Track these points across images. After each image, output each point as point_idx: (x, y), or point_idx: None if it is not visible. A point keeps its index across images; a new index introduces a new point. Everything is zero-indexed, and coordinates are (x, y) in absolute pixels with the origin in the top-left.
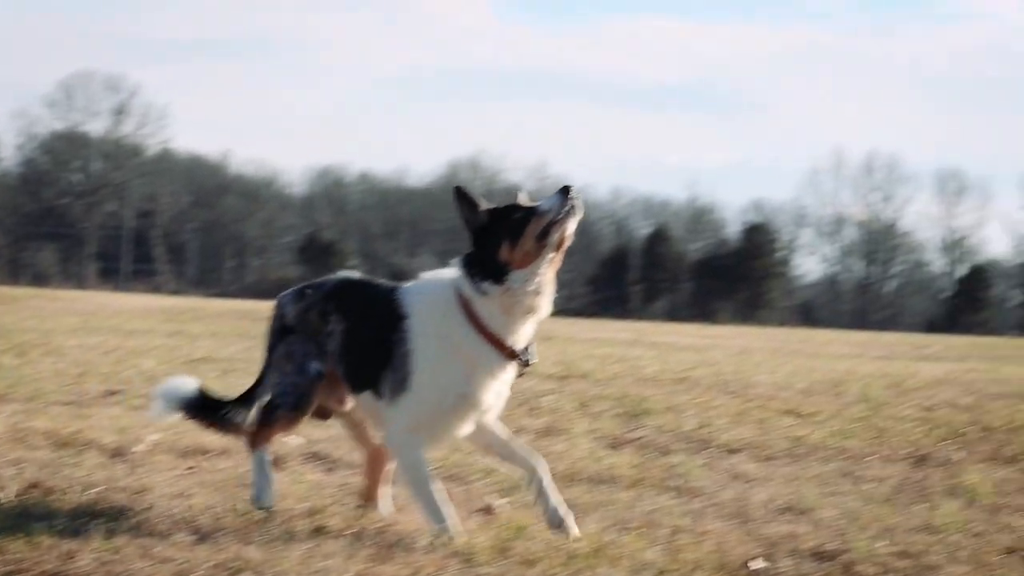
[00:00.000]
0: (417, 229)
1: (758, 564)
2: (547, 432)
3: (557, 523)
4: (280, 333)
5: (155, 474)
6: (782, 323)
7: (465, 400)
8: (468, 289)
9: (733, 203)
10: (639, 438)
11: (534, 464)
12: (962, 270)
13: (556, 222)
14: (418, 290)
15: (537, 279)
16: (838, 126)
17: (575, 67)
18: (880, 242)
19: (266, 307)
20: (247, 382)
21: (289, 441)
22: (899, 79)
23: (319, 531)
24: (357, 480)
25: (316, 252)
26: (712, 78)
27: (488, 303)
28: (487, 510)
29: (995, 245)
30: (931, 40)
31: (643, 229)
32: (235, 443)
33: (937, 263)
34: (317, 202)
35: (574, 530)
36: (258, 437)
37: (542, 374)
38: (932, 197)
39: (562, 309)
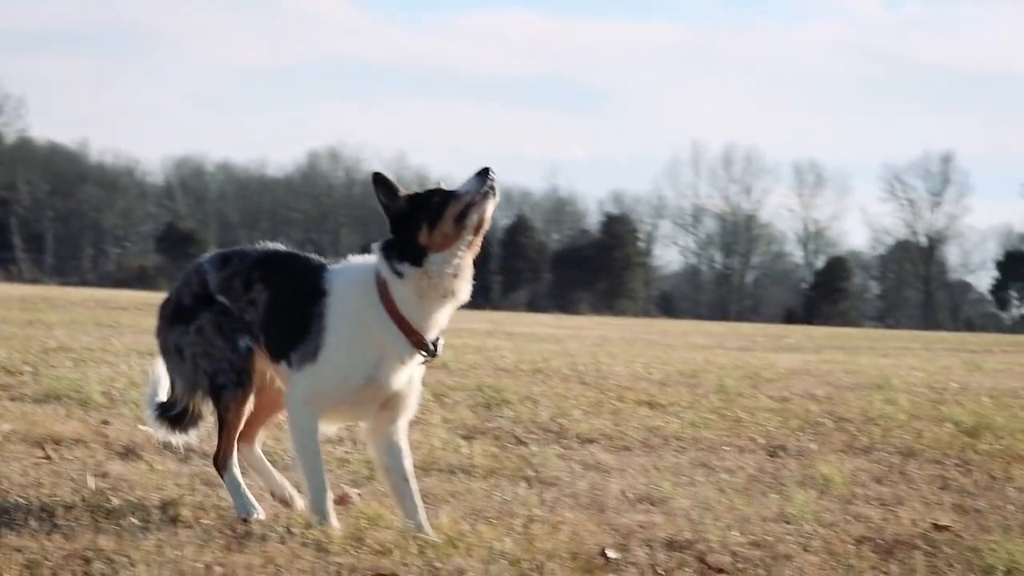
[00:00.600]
0: (277, 218)
1: (612, 554)
2: None
3: None
4: (201, 300)
5: (7, 463)
6: (642, 314)
7: (370, 381)
8: (385, 271)
9: (593, 195)
10: (495, 428)
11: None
12: (821, 261)
13: (474, 204)
14: (341, 269)
15: (456, 261)
16: (697, 120)
17: (435, 60)
18: (739, 233)
19: (125, 296)
20: (103, 371)
21: (144, 430)
22: (757, 74)
23: (173, 521)
24: (211, 470)
25: (175, 241)
26: (571, 72)
27: (404, 286)
28: (342, 500)
29: (853, 237)
30: (789, 35)
31: (503, 220)
32: (89, 433)
33: (796, 254)
34: (176, 191)
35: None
36: (222, 445)
37: None
38: (790, 189)
39: None
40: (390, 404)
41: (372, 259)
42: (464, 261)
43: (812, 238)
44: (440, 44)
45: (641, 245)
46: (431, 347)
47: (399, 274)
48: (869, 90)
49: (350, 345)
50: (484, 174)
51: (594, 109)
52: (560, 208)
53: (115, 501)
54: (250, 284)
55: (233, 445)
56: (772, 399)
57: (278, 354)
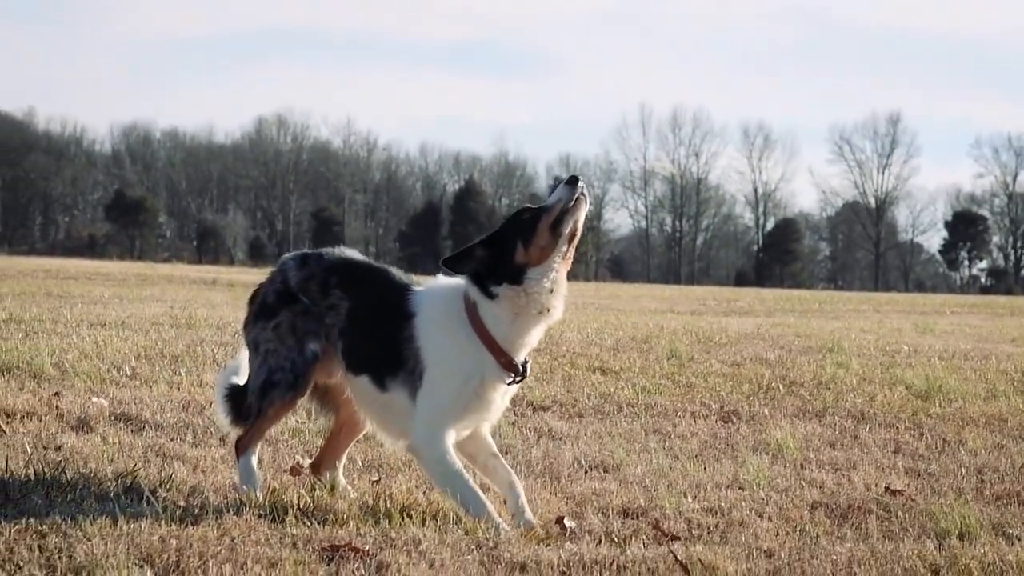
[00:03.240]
0: (225, 185)
1: (569, 523)
2: None
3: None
4: (283, 297)
5: None
6: (593, 278)
7: (477, 397)
8: (475, 293)
9: (542, 158)
10: None
11: (513, 481)
12: (771, 224)
13: (567, 212)
14: (427, 291)
15: (552, 275)
16: (643, 83)
17: (380, 26)
18: (689, 196)
19: (74, 265)
20: (54, 342)
21: (96, 402)
22: (702, 36)
23: (127, 492)
24: (169, 443)
25: (124, 209)
26: (507, 37)
27: (497, 307)
28: (294, 470)
29: (803, 199)
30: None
31: (452, 185)
32: (42, 405)
33: (746, 217)
34: (124, 159)
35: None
36: (250, 432)
37: None
38: (739, 152)
39: None
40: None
41: (458, 281)
42: (560, 275)
43: (761, 200)
44: (384, 11)
45: (591, 208)
46: (520, 368)
47: (492, 295)
48: (815, 52)
49: (451, 365)
50: (574, 182)
51: (535, 73)
52: (509, 172)
53: (69, 474)
54: (327, 288)
55: (261, 436)
56: (724, 364)
57: (358, 367)
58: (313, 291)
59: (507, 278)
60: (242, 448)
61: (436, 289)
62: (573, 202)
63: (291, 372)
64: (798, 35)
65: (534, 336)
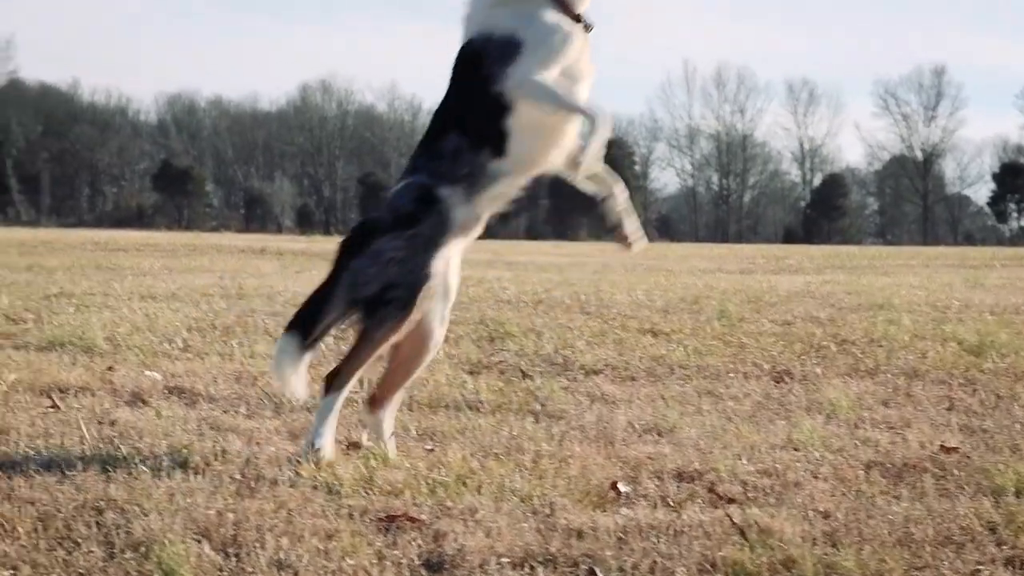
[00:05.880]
0: (271, 152)
1: (623, 487)
2: None
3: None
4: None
5: (15, 414)
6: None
7: (567, 39)
8: None
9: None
10: (499, 362)
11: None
12: (818, 180)
13: None
14: None
15: None
16: (686, 40)
17: None
18: (735, 154)
19: (123, 237)
20: (105, 316)
21: (149, 375)
22: None
23: (183, 467)
24: (222, 416)
25: (171, 179)
26: None
27: None
28: (352, 444)
29: (849, 153)
30: None
31: None
32: (95, 380)
33: (793, 173)
34: (170, 128)
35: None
36: (349, 366)
37: None
38: (784, 108)
39: None
40: None
41: None
42: None
43: (808, 156)
44: None
45: (637, 168)
46: (585, 21)
47: None
48: (857, 3)
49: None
50: None
51: None
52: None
53: (124, 449)
54: None
55: (361, 370)
56: (775, 323)
57: None
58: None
59: None
60: (337, 384)
61: None
62: None
63: (409, 290)
64: None
65: None
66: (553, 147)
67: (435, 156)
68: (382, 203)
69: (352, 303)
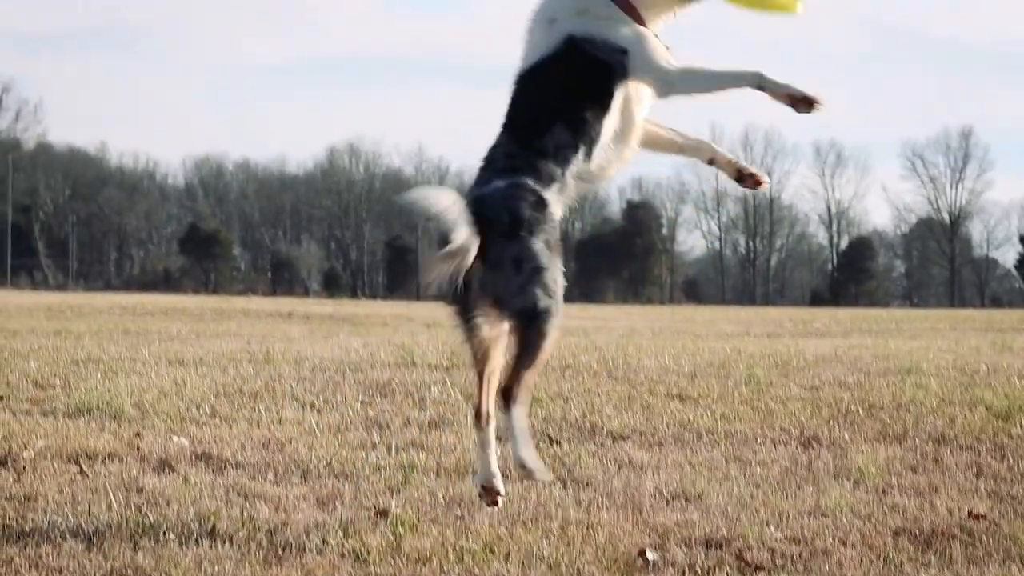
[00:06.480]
0: (299, 215)
1: (651, 555)
2: (435, 425)
3: None
4: (541, 209)
5: (43, 481)
6: (668, 300)
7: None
8: None
9: (614, 181)
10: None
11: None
12: (845, 242)
13: None
14: None
15: None
16: (714, 102)
17: (448, 51)
18: (762, 216)
19: (150, 301)
20: (133, 381)
21: (177, 441)
22: (770, 53)
23: (210, 534)
24: (250, 483)
25: (199, 242)
26: None
27: None
28: (383, 512)
29: (876, 216)
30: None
31: None
32: (123, 447)
33: (820, 235)
34: (197, 192)
35: None
36: (519, 378)
37: (428, 364)
38: (811, 170)
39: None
40: None
41: None
42: None
43: (835, 218)
44: (453, 35)
45: (664, 231)
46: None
47: None
48: (885, 66)
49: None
50: None
51: None
52: (582, 197)
53: (151, 516)
54: None
55: (533, 378)
56: (803, 388)
57: None
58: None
59: None
60: (514, 398)
61: None
62: None
63: (557, 299)
64: (867, 50)
65: None
66: (627, 154)
67: (537, 153)
68: (476, 197)
69: (509, 315)
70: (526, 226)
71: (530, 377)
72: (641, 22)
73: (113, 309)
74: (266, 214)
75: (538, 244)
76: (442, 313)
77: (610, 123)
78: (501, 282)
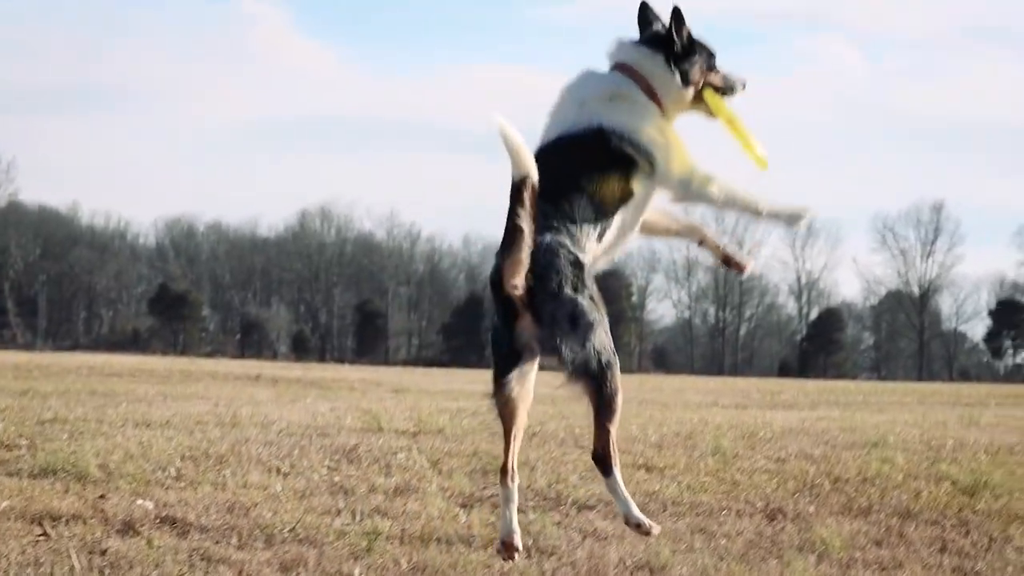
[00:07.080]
0: (269, 278)
1: None
2: (400, 491)
3: None
4: (579, 267)
5: (5, 542)
6: (636, 368)
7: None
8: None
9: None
10: (492, 496)
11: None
12: (814, 313)
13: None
14: None
15: None
16: None
17: (422, 115)
18: (732, 286)
19: (119, 362)
20: (99, 443)
21: (142, 504)
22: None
23: None
24: (214, 547)
25: (168, 303)
26: None
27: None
28: None
29: (846, 288)
30: (771, 87)
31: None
32: (87, 508)
33: (790, 306)
34: (168, 252)
35: None
36: (608, 439)
37: (395, 430)
38: (782, 241)
39: (415, 359)
40: None
41: None
42: None
43: (805, 290)
44: (423, 99)
45: (634, 299)
46: None
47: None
48: (857, 140)
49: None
50: None
51: None
52: None
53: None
54: None
55: (615, 437)
56: (769, 460)
57: None
58: None
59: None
60: (613, 461)
61: None
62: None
63: (615, 353)
64: (837, 123)
65: None
66: (630, 239)
67: (568, 218)
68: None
69: (577, 375)
70: (570, 283)
71: (615, 433)
72: (662, 107)
73: (81, 369)
74: (236, 276)
75: (584, 301)
76: (407, 378)
77: (624, 211)
78: (560, 340)
